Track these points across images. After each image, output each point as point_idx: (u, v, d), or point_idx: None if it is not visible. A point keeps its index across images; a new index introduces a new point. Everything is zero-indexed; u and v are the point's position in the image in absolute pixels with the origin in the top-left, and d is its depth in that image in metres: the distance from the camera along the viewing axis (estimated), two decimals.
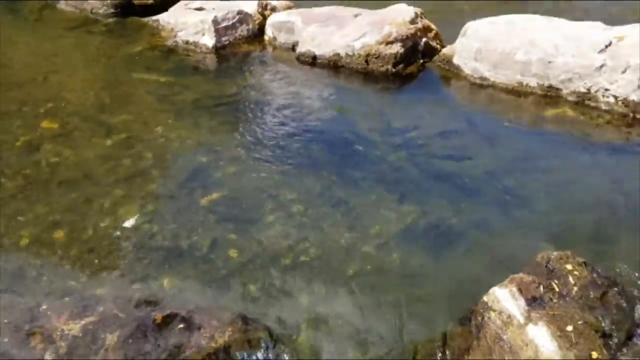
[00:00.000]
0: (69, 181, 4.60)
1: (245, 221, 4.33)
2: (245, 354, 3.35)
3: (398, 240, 4.19)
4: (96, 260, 3.92)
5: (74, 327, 3.33)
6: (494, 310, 3.24)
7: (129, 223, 4.22)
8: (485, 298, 3.31)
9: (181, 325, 3.41)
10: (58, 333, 3.29)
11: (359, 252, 4.09)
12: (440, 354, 3.38)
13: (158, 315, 3.45)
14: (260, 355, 3.38)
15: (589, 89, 5.64)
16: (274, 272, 3.93)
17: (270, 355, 3.40)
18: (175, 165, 4.91)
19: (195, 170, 4.83)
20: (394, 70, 6.38)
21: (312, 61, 6.67)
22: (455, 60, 6.40)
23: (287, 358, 3.43)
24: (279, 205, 4.48)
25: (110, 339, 3.28)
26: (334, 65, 6.53)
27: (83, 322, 3.36)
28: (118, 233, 4.14)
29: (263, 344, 3.42)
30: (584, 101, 5.67)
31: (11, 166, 4.74)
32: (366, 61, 6.43)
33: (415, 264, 4.03)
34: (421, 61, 6.56)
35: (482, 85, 6.12)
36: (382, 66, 6.38)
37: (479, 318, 3.30)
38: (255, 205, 4.50)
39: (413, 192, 4.67)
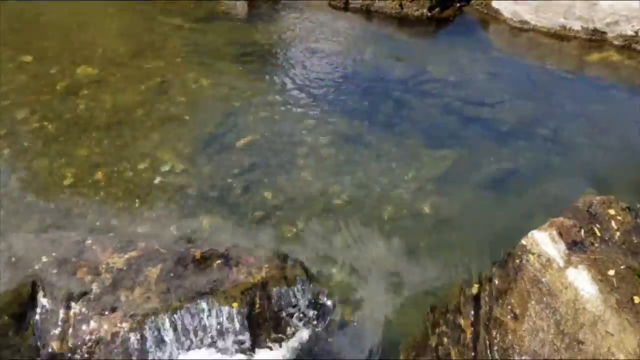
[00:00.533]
0: (107, 125, 4.72)
1: (278, 164, 4.38)
2: (282, 290, 3.48)
3: (434, 185, 4.21)
4: (136, 200, 4.03)
5: (118, 261, 3.47)
6: (533, 253, 3.19)
7: (166, 165, 4.33)
8: (523, 241, 3.28)
9: (219, 262, 3.53)
10: (103, 266, 3.45)
11: (393, 197, 4.13)
12: (476, 297, 3.40)
13: (197, 252, 3.57)
14: (296, 291, 3.50)
15: (636, 32, 5.49)
16: (308, 214, 4.00)
17: (306, 292, 3.52)
18: (208, 109, 4.98)
19: (228, 115, 4.90)
20: (429, 14, 6.29)
21: (344, 6, 6.61)
22: (494, 4, 6.28)
23: (322, 295, 3.55)
24: (312, 149, 4.51)
25: (153, 272, 3.42)
26: (367, 10, 6.47)
27: (126, 256, 3.50)
28: (156, 175, 4.25)
29: (299, 281, 3.53)
30: (630, 45, 5.54)
31: (53, 110, 4.86)
32: (400, 5, 6.34)
33: (452, 209, 4.04)
34: (458, 4, 6.45)
35: (522, 29, 6.02)
36: (417, 10, 6.29)
37: (517, 261, 3.26)
38: (287, 149, 4.53)
39: (449, 137, 4.66)
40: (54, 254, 3.52)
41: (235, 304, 3.35)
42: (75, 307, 3.28)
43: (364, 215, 4.00)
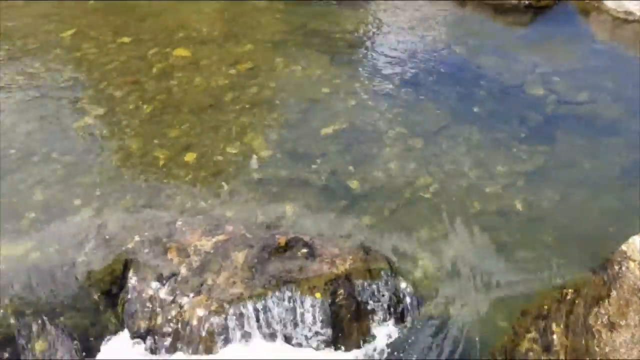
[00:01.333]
0: (199, 107, 4.72)
1: (364, 153, 4.28)
2: (365, 283, 3.35)
3: (525, 181, 3.99)
4: (224, 184, 4.01)
5: (206, 244, 3.45)
6: (634, 260, 2.98)
7: (253, 149, 4.30)
8: (624, 247, 3.04)
9: (304, 250, 3.46)
10: (192, 248, 3.44)
11: (482, 191, 3.94)
12: (570, 303, 3.18)
13: (282, 239, 3.52)
14: (380, 285, 3.37)
15: None
16: (393, 206, 3.87)
17: (390, 287, 3.38)
18: (296, 95, 4.91)
19: (316, 101, 4.82)
20: (526, 2, 5.93)
21: None
22: None
23: (406, 290, 3.41)
24: (399, 139, 4.38)
25: (239, 256, 3.39)
26: None
27: (214, 239, 3.48)
28: (244, 159, 4.23)
29: (383, 275, 3.40)
30: None
31: (148, 91, 4.91)
32: None
33: (544, 207, 3.81)
34: None
35: (626, 20, 5.56)
36: None
37: (616, 267, 3.04)
38: (374, 137, 4.43)
39: (543, 131, 4.38)
40: (146, 233, 3.55)
41: (318, 295, 3.27)
42: (164, 288, 3.28)
43: (451, 209, 3.82)
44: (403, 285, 3.41)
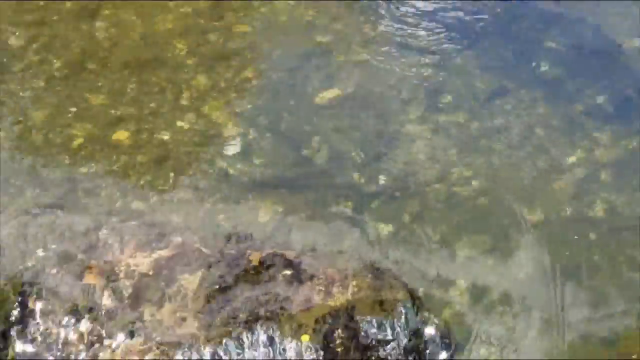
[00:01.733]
0: (136, 62, 4.70)
1: (376, 132, 4.30)
2: (374, 320, 3.34)
3: (607, 175, 4.07)
4: (172, 174, 4.01)
5: (143, 262, 3.44)
6: None
7: (216, 125, 4.30)
8: None
9: (286, 272, 3.45)
10: (122, 268, 3.41)
11: (546, 189, 3.99)
12: None
13: (254, 256, 3.51)
14: (396, 323, 3.34)
15: None
16: (416, 208, 3.90)
17: (410, 324, 3.37)
18: (281, 45, 4.91)
19: (308, 55, 4.83)
20: None
21: None
22: None
23: (432, 329, 3.41)
24: (427, 112, 4.42)
25: (191, 281, 3.37)
26: None
27: (155, 255, 3.47)
28: (201, 139, 4.21)
29: (401, 309, 3.38)
30: None
31: (60, 37, 4.88)
32: None
33: (635, 212, 3.86)
34: None
35: None
36: None
37: None
38: (391, 109, 4.44)
39: (631, 108, 4.50)
40: (53, 246, 3.52)
41: (305, 337, 3.24)
42: (80, 326, 3.26)
43: (500, 213, 3.89)
44: (429, 326, 3.43)
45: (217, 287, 3.38)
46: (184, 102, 4.46)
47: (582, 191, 3.99)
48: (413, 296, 3.48)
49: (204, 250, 3.54)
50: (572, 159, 4.17)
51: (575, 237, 3.78)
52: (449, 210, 3.90)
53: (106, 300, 3.34)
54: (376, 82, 4.61)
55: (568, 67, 4.76)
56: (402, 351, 3.36)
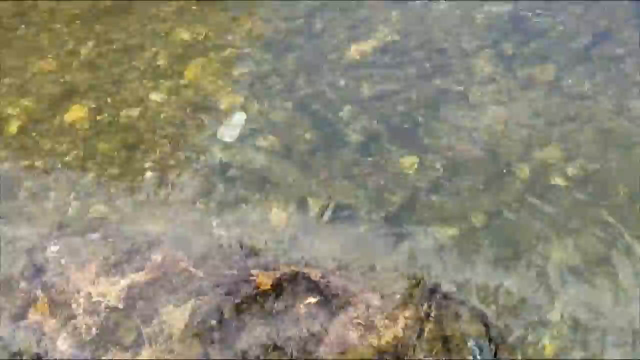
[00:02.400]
0: (92, 11, 4.79)
1: (428, 98, 4.30)
2: None
3: None
4: (146, 167, 4.03)
5: (110, 292, 3.43)
6: None
7: (205, 95, 4.34)
8: None
9: (309, 299, 3.43)
10: (81, 300, 3.41)
11: None
12: None
13: (262, 277, 3.50)
14: None
15: None
16: (490, 206, 3.90)
17: None
18: None
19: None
20: None
21: None
22: None
23: None
24: (501, 69, 4.45)
25: (177, 317, 3.36)
26: None
27: (126, 281, 3.47)
28: (183, 116, 4.26)
29: (474, 348, 3.38)
30: None
31: None
32: None
33: None
34: None
35: None
36: None
37: None
38: (448, 65, 4.47)
39: None
40: None
41: None
42: None
43: (611, 210, 3.84)
44: None
45: (213, 323, 3.37)
46: (159, 63, 4.51)
47: None
48: (489, 327, 3.47)
49: (193, 271, 3.53)
50: None
51: None
52: (537, 207, 3.90)
53: (61, 346, 3.32)
54: (422, 30, 4.71)
55: None
56: None
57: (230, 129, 4.20)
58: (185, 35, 4.65)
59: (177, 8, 4.81)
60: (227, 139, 4.16)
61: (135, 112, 4.25)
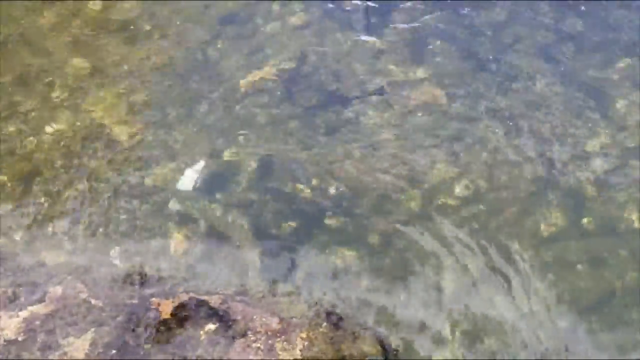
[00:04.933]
0: None
1: (326, 122, 4.35)
2: None
3: None
4: (42, 196, 4.02)
5: (8, 325, 3.41)
6: None
7: (105, 120, 4.32)
8: None
9: (209, 326, 3.44)
10: None
11: (561, 189, 4.08)
12: None
13: (164, 305, 3.50)
14: None
15: None
16: (386, 225, 3.94)
17: None
18: (183, 11, 4.98)
19: (232, 16, 4.93)
20: None
21: None
22: None
23: None
24: (396, 92, 4.51)
25: (78, 347, 3.33)
26: None
27: (24, 314, 3.44)
28: (84, 143, 4.24)
29: None
30: None
31: None
32: None
33: None
34: None
35: None
36: None
37: None
38: (346, 88, 4.50)
39: None
40: None
41: None
42: None
43: (501, 227, 3.94)
44: None
45: (113, 352, 3.35)
46: (54, 95, 4.47)
47: (608, 189, 4.13)
48: (387, 349, 3.51)
49: (93, 302, 3.52)
50: (592, 146, 4.34)
51: (607, 250, 3.90)
52: (430, 223, 3.96)
53: None
54: (322, 52, 4.80)
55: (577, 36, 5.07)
56: None
57: (126, 153, 4.26)
58: (81, 64, 4.62)
59: (73, 36, 4.77)
60: (123, 162, 4.19)
61: (31, 143, 4.24)
